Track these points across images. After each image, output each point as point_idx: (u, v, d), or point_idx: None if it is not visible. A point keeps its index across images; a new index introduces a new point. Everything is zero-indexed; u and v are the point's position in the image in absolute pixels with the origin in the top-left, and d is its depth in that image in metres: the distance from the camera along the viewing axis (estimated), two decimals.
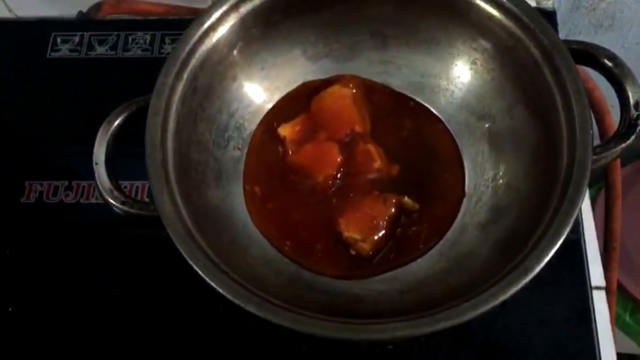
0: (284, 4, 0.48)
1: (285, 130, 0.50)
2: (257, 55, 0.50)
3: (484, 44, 0.48)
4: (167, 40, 0.61)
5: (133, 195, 0.53)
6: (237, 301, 0.36)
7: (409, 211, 0.47)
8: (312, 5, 0.50)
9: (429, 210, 0.47)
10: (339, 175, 0.48)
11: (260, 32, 0.49)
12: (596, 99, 0.57)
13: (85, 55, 0.61)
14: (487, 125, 0.49)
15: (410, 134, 0.50)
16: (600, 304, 0.49)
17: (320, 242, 0.46)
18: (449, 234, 0.46)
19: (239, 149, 0.50)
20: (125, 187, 0.53)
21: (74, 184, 0.55)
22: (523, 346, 0.47)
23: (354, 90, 0.50)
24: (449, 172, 0.48)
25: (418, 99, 0.51)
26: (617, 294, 0.67)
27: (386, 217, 0.46)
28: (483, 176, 0.47)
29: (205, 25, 0.46)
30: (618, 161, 0.58)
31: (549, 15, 0.59)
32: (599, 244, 0.52)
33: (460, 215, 0.47)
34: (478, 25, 0.47)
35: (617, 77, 0.43)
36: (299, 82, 0.52)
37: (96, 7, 0.64)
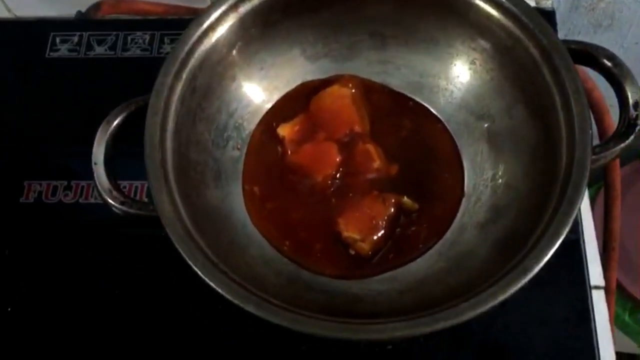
0: (283, 3, 0.48)
1: (285, 130, 0.50)
2: (256, 55, 0.50)
3: (483, 43, 0.48)
4: (166, 40, 0.61)
5: (132, 195, 0.53)
6: (236, 301, 0.36)
7: (408, 211, 0.47)
8: (311, 5, 0.50)
9: (428, 210, 0.47)
10: (338, 175, 0.48)
11: (259, 32, 0.49)
12: (595, 99, 0.57)
13: (84, 55, 0.61)
14: (486, 125, 0.49)
15: (410, 133, 0.50)
16: (599, 303, 0.49)
17: (319, 242, 0.46)
18: (448, 234, 0.46)
19: (238, 148, 0.50)
20: (125, 187, 0.53)
21: (73, 184, 0.55)
22: (522, 346, 0.47)
23: (353, 90, 0.50)
24: (448, 172, 0.48)
25: (417, 99, 0.51)
26: (617, 293, 0.67)
27: (385, 217, 0.46)
28: (482, 176, 0.47)
29: (205, 25, 0.46)
30: (617, 161, 0.58)
31: (548, 15, 0.59)
32: (598, 244, 0.52)
33: (459, 215, 0.47)
34: (477, 25, 0.47)
35: (616, 77, 0.43)
36: (298, 82, 0.52)
37: (95, 7, 0.64)
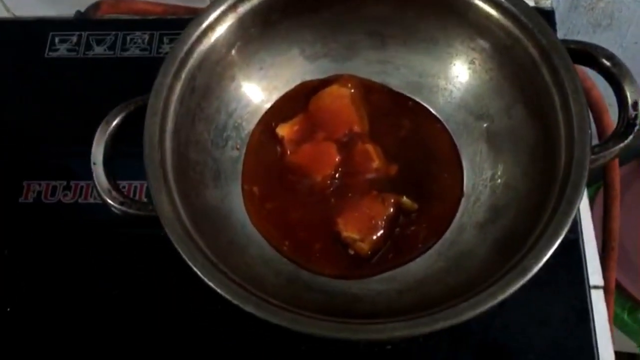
0: (282, 3, 0.48)
1: (284, 130, 0.50)
2: (256, 55, 0.50)
3: (482, 43, 0.48)
4: (165, 40, 0.61)
5: (131, 195, 0.53)
6: (235, 301, 0.36)
7: (408, 211, 0.47)
8: (311, 5, 0.50)
9: (427, 210, 0.47)
10: (337, 175, 0.48)
11: (259, 32, 0.49)
12: (594, 98, 0.57)
13: (83, 55, 0.61)
14: (485, 125, 0.49)
15: (409, 133, 0.50)
16: (598, 303, 0.49)
17: (318, 242, 0.46)
18: (447, 234, 0.46)
19: (238, 148, 0.50)
20: (124, 187, 0.53)
21: (72, 184, 0.55)
22: (522, 346, 0.47)
23: (352, 90, 0.50)
24: (447, 171, 0.49)
25: (416, 99, 0.51)
26: (616, 293, 0.67)
27: (385, 217, 0.46)
28: (481, 176, 0.48)
29: (204, 25, 0.46)
30: (616, 160, 0.58)
31: (548, 15, 0.59)
32: (597, 244, 0.53)
33: (458, 214, 0.47)
34: (476, 24, 0.47)
35: (615, 77, 0.43)
36: (297, 81, 0.52)
37: (94, 7, 0.64)
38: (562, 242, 0.37)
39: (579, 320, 0.47)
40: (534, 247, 0.37)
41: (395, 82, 0.52)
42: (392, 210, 0.46)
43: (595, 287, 0.49)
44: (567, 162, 0.40)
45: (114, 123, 0.43)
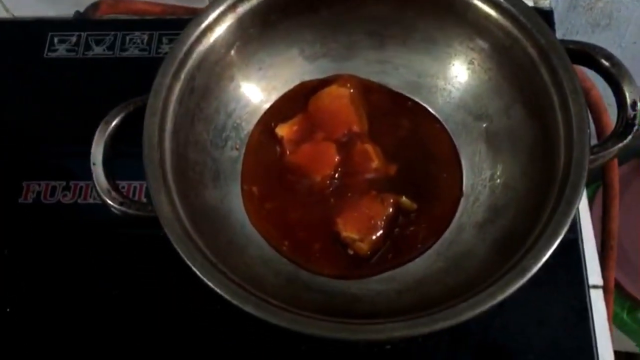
0: (281, 3, 0.48)
1: (283, 130, 0.50)
2: (255, 55, 0.50)
3: (481, 43, 0.48)
4: (164, 40, 0.61)
5: (131, 195, 0.53)
6: (235, 301, 0.36)
7: (407, 211, 0.47)
8: (310, 5, 0.50)
9: (426, 210, 0.47)
10: (336, 175, 0.48)
11: (258, 32, 0.49)
12: (593, 98, 0.57)
13: (82, 55, 0.61)
14: (484, 125, 0.49)
15: (408, 133, 0.50)
16: (597, 302, 0.49)
17: (318, 242, 0.46)
18: (446, 234, 0.46)
19: (237, 149, 0.50)
20: (123, 187, 0.53)
21: (72, 184, 0.55)
22: (521, 346, 0.47)
23: (352, 90, 0.50)
24: (446, 171, 0.49)
25: (415, 99, 0.51)
26: (615, 292, 0.67)
27: (384, 217, 0.46)
28: (480, 176, 0.48)
29: (203, 25, 0.46)
30: (615, 160, 0.58)
31: (546, 15, 0.59)
32: (597, 243, 0.53)
33: (457, 214, 0.47)
34: (475, 24, 0.47)
35: (614, 77, 0.43)
36: (297, 82, 0.52)
37: (93, 7, 0.64)
38: (561, 241, 0.37)
39: (578, 319, 0.47)
40: (533, 247, 0.37)
41: (395, 82, 0.52)
42: (391, 210, 0.46)
43: (595, 286, 0.49)
44: (566, 162, 0.40)
45: (114, 123, 0.43)
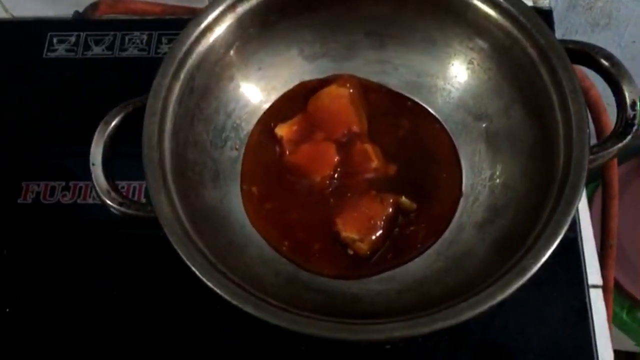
0: (281, 3, 0.48)
1: (283, 130, 0.50)
2: (254, 55, 0.50)
3: (481, 43, 0.48)
4: (164, 40, 0.61)
5: (130, 195, 0.53)
6: (234, 301, 0.36)
7: (407, 211, 0.47)
8: (310, 5, 0.50)
9: (426, 210, 0.47)
10: (336, 175, 0.48)
11: (257, 32, 0.49)
12: (593, 98, 0.57)
13: (81, 56, 0.61)
14: (484, 125, 0.49)
15: (408, 133, 0.50)
16: (597, 302, 0.49)
17: (317, 242, 0.46)
18: (446, 234, 0.46)
19: (236, 149, 0.50)
20: (123, 187, 0.53)
21: (71, 184, 0.55)
22: (521, 345, 0.47)
23: (351, 90, 0.50)
24: (446, 171, 0.49)
25: (415, 99, 0.51)
26: (614, 292, 0.67)
27: (384, 217, 0.46)
28: (480, 176, 0.48)
29: (202, 25, 0.46)
30: (615, 160, 0.58)
31: (546, 14, 0.59)
32: (596, 242, 0.53)
33: (457, 214, 0.47)
34: (475, 24, 0.47)
35: (613, 77, 0.43)
36: (296, 82, 0.52)
37: (92, 7, 0.64)
38: (561, 241, 0.37)
39: (578, 319, 0.47)
40: (533, 247, 0.37)
41: (394, 82, 0.52)
42: (391, 210, 0.46)
43: (594, 286, 0.50)
44: (566, 162, 0.40)
45: (113, 124, 0.43)
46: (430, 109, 0.51)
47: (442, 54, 0.50)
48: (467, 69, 0.49)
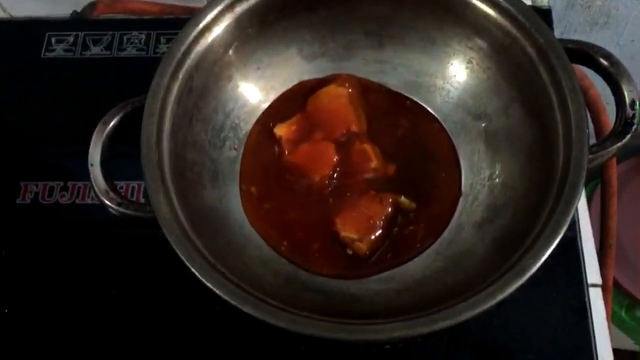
0: (280, 3, 0.48)
1: (281, 130, 0.49)
2: (253, 55, 0.50)
3: (480, 43, 0.48)
4: (162, 39, 0.61)
5: (129, 195, 0.53)
6: (233, 302, 0.36)
7: (406, 210, 0.47)
8: (309, 5, 0.50)
9: (425, 210, 0.47)
10: (335, 175, 0.48)
11: (256, 32, 0.49)
12: (592, 97, 0.57)
13: (80, 55, 0.61)
14: (483, 125, 0.49)
15: (407, 133, 0.50)
16: (596, 301, 0.49)
17: (317, 242, 0.46)
18: (445, 233, 0.46)
19: (235, 149, 0.50)
20: (121, 187, 0.53)
21: (70, 184, 0.55)
22: (520, 345, 0.47)
23: (350, 90, 0.50)
24: (445, 171, 0.49)
25: (414, 98, 0.51)
26: (613, 290, 0.67)
27: (383, 217, 0.46)
28: (479, 175, 0.48)
29: (201, 25, 0.45)
30: (614, 159, 0.58)
31: (545, 13, 0.59)
32: (595, 241, 0.53)
33: (456, 214, 0.47)
34: (474, 24, 0.47)
35: (613, 76, 0.43)
36: (295, 81, 0.52)
37: (91, 7, 0.63)
38: (560, 240, 0.37)
39: (577, 318, 0.47)
40: (532, 247, 0.37)
41: (393, 82, 0.52)
42: (390, 210, 0.46)
43: (593, 285, 0.50)
44: (565, 161, 0.40)
45: (111, 124, 0.43)
46: (429, 109, 0.51)
47: (441, 53, 0.50)
48: (466, 68, 0.49)
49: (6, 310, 0.50)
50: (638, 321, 0.85)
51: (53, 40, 0.62)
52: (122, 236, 0.52)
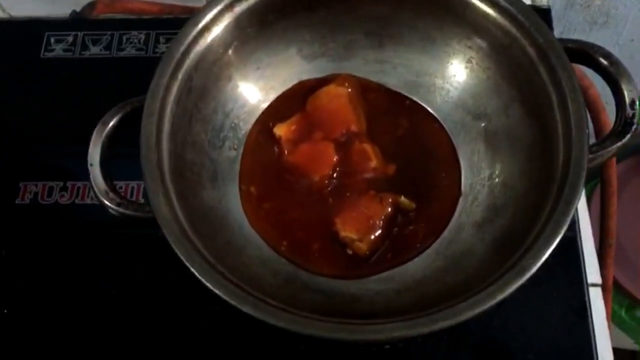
0: (279, 3, 0.48)
1: (281, 130, 0.49)
2: (253, 54, 0.50)
3: (480, 42, 0.48)
4: (161, 39, 0.61)
5: (128, 195, 0.53)
6: (233, 302, 0.36)
7: (406, 210, 0.47)
8: (308, 4, 0.50)
9: (425, 210, 0.47)
10: (335, 175, 0.48)
11: (256, 32, 0.49)
12: (592, 97, 0.57)
13: (79, 55, 0.61)
14: (483, 124, 0.49)
15: (406, 133, 0.50)
16: (596, 301, 0.49)
17: (316, 242, 0.46)
18: (445, 233, 0.46)
19: (235, 149, 0.49)
20: (121, 187, 0.53)
21: (69, 184, 0.55)
22: (520, 345, 0.47)
23: (350, 90, 0.50)
24: (445, 171, 0.48)
25: (414, 98, 0.51)
26: (613, 290, 0.67)
27: (383, 217, 0.46)
28: (479, 175, 0.48)
29: (200, 25, 0.45)
30: (614, 159, 0.58)
31: (544, 13, 0.59)
32: (595, 241, 0.53)
33: (456, 214, 0.47)
34: (473, 23, 0.47)
35: (612, 76, 0.43)
36: (295, 81, 0.52)
37: (90, 7, 0.63)
38: (560, 240, 0.37)
39: (577, 318, 0.47)
40: (532, 246, 0.37)
41: (393, 82, 0.52)
42: (390, 209, 0.46)
43: (593, 284, 0.50)
44: (565, 161, 0.40)
45: (111, 124, 0.43)
46: (429, 108, 0.51)
47: (441, 53, 0.50)
48: (466, 68, 0.49)
49: (6, 311, 0.50)
50: (638, 321, 0.85)
51: (52, 40, 0.62)
52: (122, 236, 0.52)
